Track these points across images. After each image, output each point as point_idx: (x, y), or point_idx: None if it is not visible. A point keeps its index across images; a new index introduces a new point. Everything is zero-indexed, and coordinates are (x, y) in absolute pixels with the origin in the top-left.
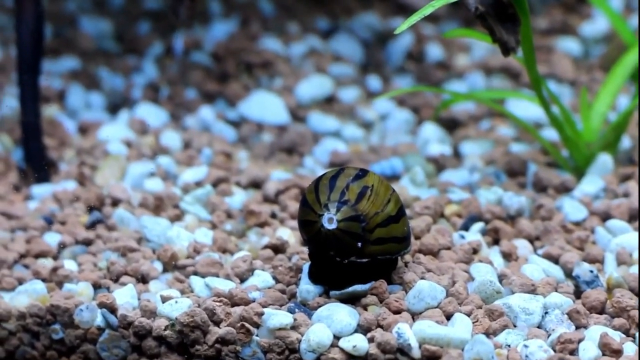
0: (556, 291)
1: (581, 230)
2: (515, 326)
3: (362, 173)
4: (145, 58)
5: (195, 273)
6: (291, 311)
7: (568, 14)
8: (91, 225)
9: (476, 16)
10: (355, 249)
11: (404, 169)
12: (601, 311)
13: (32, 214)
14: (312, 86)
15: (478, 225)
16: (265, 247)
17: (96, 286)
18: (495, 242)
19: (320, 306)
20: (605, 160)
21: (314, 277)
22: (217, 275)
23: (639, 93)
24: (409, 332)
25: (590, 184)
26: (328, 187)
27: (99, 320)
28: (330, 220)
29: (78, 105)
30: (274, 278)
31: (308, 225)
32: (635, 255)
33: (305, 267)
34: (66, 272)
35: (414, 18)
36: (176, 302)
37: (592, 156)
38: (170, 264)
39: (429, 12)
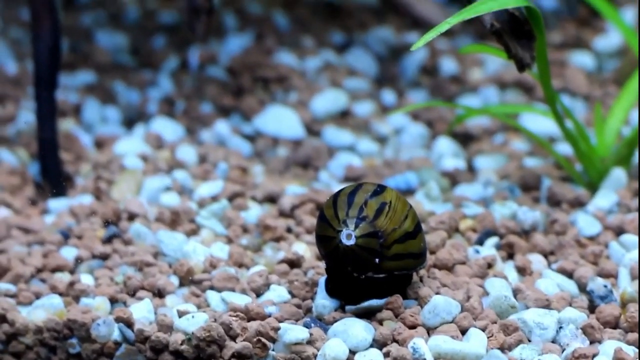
0: (570, 306)
1: (595, 245)
2: (529, 341)
3: (380, 189)
4: (161, 72)
5: (212, 287)
6: (307, 326)
7: (582, 29)
8: (108, 240)
9: (492, 32)
10: (373, 264)
11: (419, 183)
12: (615, 326)
13: (48, 228)
14: (327, 100)
15: (492, 240)
16: (281, 261)
17: (113, 300)
18: (510, 256)
19: (336, 321)
20: (619, 175)
21: (330, 291)
22: (233, 290)
23: None
24: (424, 347)
25: (604, 199)
26: (346, 202)
27: (115, 335)
28: (348, 236)
29: (94, 119)
30: (290, 293)
31: (326, 240)
32: None
33: (322, 281)
34: (83, 287)
35: (430, 35)
36: (193, 316)
37: (606, 171)
38: (187, 279)
39: (444, 29)
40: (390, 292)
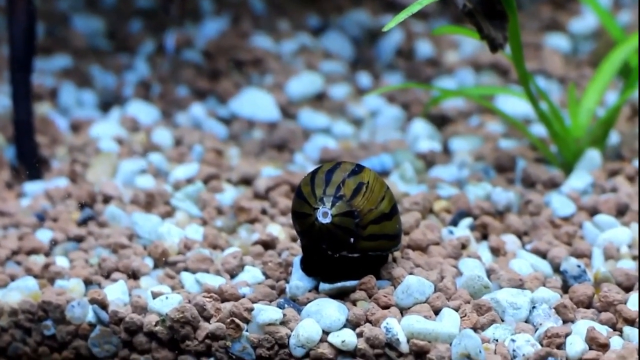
0: (544, 286)
1: (569, 225)
2: (503, 321)
3: (359, 169)
4: (137, 56)
5: (186, 269)
6: (281, 307)
7: (557, 11)
8: (83, 222)
9: (464, 13)
10: (348, 244)
11: (394, 165)
12: (588, 305)
13: (24, 211)
14: (303, 83)
15: (467, 221)
16: (256, 243)
17: (87, 282)
18: (484, 237)
19: (309, 301)
20: (593, 155)
21: (305, 269)
22: (207, 271)
23: None
24: (397, 327)
25: (579, 180)
26: (324, 180)
27: (90, 317)
28: (324, 214)
29: (70, 103)
30: (264, 274)
31: (302, 217)
32: (623, 250)
33: (296, 261)
34: (58, 269)
35: (402, 15)
36: (167, 298)
37: (581, 152)
38: (161, 260)
39: (416, 10)
40: (364, 272)
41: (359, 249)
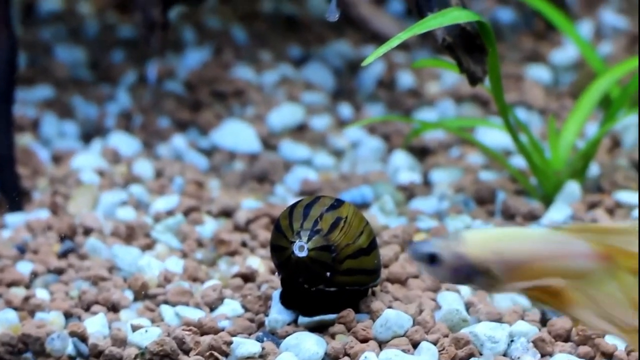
0: (522, 319)
1: None
2: (481, 354)
3: (338, 203)
4: (119, 87)
5: (166, 302)
6: (260, 340)
7: (538, 42)
8: (63, 254)
9: (444, 47)
10: (324, 278)
11: (374, 197)
12: (567, 339)
13: (5, 242)
14: (284, 114)
15: None
16: (235, 275)
17: (68, 315)
18: None
19: (288, 335)
20: (573, 188)
21: (285, 302)
22: (187, 304)
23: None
24: None
25: (558, 212)
26: (302, 214)
27: (70, 349)
28: (301, 248)
29: (52, 134)
30: (243, 307)
31: (279, 250)
32: None
33: (276, 294)
34: (38, 301)
35: (381, 50)
36: (146, 331)
37: (560, 184)
38: (141, 293)
39: (395, 44)
40: (342, 306)
41: (336, 283)
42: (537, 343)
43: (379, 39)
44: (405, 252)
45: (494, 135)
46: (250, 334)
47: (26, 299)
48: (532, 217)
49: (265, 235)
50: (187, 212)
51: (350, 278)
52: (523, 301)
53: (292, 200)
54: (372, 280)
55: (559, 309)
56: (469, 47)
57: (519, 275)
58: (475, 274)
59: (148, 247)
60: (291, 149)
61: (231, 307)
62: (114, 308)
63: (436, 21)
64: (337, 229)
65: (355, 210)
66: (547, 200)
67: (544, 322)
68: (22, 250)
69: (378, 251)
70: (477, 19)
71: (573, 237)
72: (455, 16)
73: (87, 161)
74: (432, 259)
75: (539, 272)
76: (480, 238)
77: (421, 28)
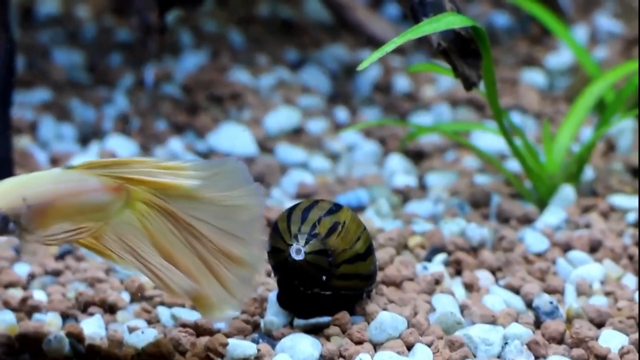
0: (516, 322)
1: (542, 261)
2: (475, 356)
3: (336, 208)
4: (117, 90)
5: (162, 304)
6: (255, 341)
7: (534, 46)
8: (60, 256)
9: (439, 52)
10: (320, 281)
11: (370, 200)
12: (560, 341)
13: (2, 245)
14: (281, 118)
15: (441, 257)
16: None
17: (65, 316)
18: (458, 273)
19: (283, 337)
20: (567, 191)
21: (282, 303)
22: (183, 306)
23: None
24: None
25: (553, 215)
26: (300, 218)
27: (67, 350)
28: (298, 251)
29: (50, 136)
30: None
31: (276, 252)
32: (595, 286)
33: (272, 296)
34: (35, 302)
35: (376, 55)
36: (142, 332)
37: (555, 188)
38: (138, 295)
39: (391, 49)
40: (337, 309)
41: (331, 287)
42: (531, 345)
43: (374, 43)
44: None
45: (489, 139)
46: (245, 336)
47: (24, 300)
48: (526, 221)
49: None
50: None
51: (346, 282)
52: (517, 303)
53: (288, 203)
54: (367, 285)
55: (97, 252)
56: (464, 52)
57: (46, 218)
58: (7, 224)
59: None
60: (287, 152)
61: None
62: (110, 309)
63: (431, 26)
64: (334, 233)
65: (353, 216)
66: (542, 204)
67: (537, 324)
68: (20, 251)
69: (374, 257)
70: (471, 24)
71: (85, 173)
72: (449, 21)
73: None
74: None
75: (63, 212)
76: (6, 187)
77: (416, 33)
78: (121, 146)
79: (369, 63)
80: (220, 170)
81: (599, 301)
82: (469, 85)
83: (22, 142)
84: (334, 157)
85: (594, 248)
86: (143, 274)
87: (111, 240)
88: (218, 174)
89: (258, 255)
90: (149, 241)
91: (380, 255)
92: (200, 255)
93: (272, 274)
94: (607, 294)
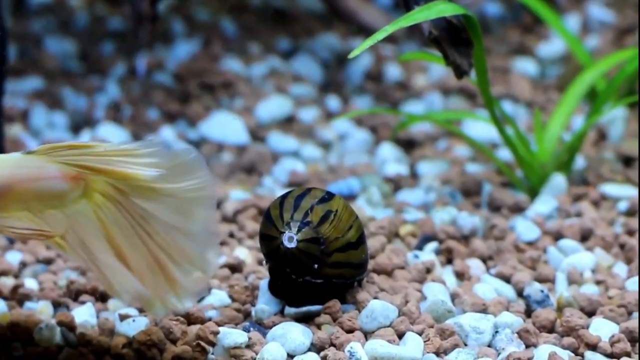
0: (507, 310)
1: (533, 250)
2: (465, 345)
3: (329, 196)
4: (109, 78)
5: None
6: (246, 330)
7: (525, 35)
8: None
9: (430, 40)
10: (312, 269)
11: (361, 188)
12: (551, 330)
13: None
14: (272, 106)
15: (432, 245)
16: (223, 266)
17: (56, 304)
18: (449, 261)
19: (274, 325)
20: (558, 180)
21: (274, 291)
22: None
23: None
24: (361, 351)
25: (544, 204)
26: (293, 205)
27: (58, 338)
28: (290, 238)
29: (41, 125)
30: (230, 297)
31: (268, 239)
32: (586, 275)
33: (263, 284)
34: (27, 291)
35: (368, 43)
36: (134, 320)
37: (546, 176)
38: None
39: (382, 37)
40: (328, 297)
41: (323, 275)
42: (522, 334)
43: (366, 31)
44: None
45: (480, 128)
46: (237, 324)
47: (15, 288)
48: (517, 209)
49: (253, 226)
50: None
51: (337, 271)
52: (508, 292)
53: (280, 192)
54: (358, 274)
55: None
56: (455, 40)
57: (3, 201)
58: None
59: None
60: (279, 140)
61: (218, 297)
62: (102, 298)
63: (422, 14)
64: (327, 221)
65: (345, 204)
66: (533, 193)
67: (528, 313)
68: (12, 240)
69: (366, 245)
70: (463, 12)
71: (45, 159)
72: (441, 9)
73: None
74: None
75: (20, 197)
76: None
77: (407, 21)
78: (113, 134)
79: (360, 51)
80: (179, 161)
81: (590, 290)
82: (460, 73)
83: (13, 130)
84: (326, 145)
85: (585, 237)
86: (88, 269)
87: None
88: (177, 165)
89: (210, 258)
90: (102, 233)
91: (372, 243)
92: (152, 251)
93: (264, 262)
94: (598, 282)
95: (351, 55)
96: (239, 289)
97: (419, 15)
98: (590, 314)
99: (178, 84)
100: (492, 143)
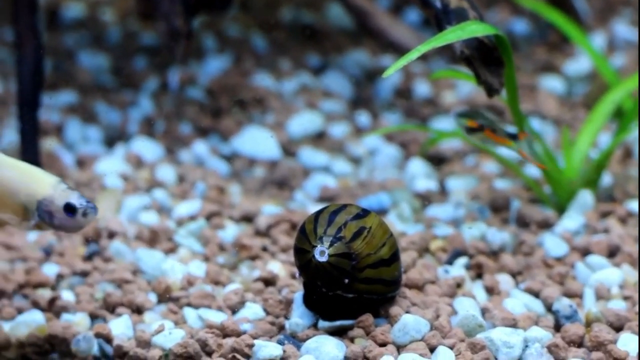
0: (536, 325)
1: (561, 265)
2: (496, 359)
3: (364, 213)
4: (142, 93)
5: (189, 305)
6: (281, 343)
7: (552, 53)
8: (88, 257)
9: (462, 59)
10: (342, 284)
11: (392, 204)
12: (579, 345)
13: (31, 245)
14: (303, 122)
15: (462, 260)
16: (257, 279)
17: (93, 316)
18: (479, 276)
19: (308, 338)
20: (586, 197)
21: (307, 304)
22: (209, 307)
23: None
24: None
25: (571, 220)
26: (327, 220)
27: (95, 350)
28: (322, 252)
29: (76, 138)
30: (265, 310)
31: (301, 253)
32: (614, 291)
33: (297, 297)
34: (64, 303)
35: (401, 62)
36: (170, 333)
37: (574, 193)
38: (165, 296)
39: (415, 57)
40: (360, 312)
41: (354, 290)
42: (551, 348)
43: (396, 49)
44: None
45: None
46: (271, 337)
47: (52, 300)
48: (545, 225)
49: (286, 240)
50: (209, 217)
51: (369, 286)
52: (537, 307)
53: (311, 207)
54: (390, 291)
55: None
56: (487, 59)
57: None
58: None
59: (171, 250)
60: (310, 155)
61: (252, 310)
62: (138, 310)
63: (455, 34)
64: (359, 237)
65: (380, 222)
66: (561, 209)
67: (557, 327)
68: (48, 252)
69: (399, 263)
70: (494, 32)
71: None
72: (473, 29)
73: (111, 166)
74: None
75: None
76: None
77: (440, 41)
78: (146, 149)
79: (394, 70)
80: None
81: (618, 305)
82: (491, 92)
83: (48, 143)
84: (356, 161)
85: (612, 253)
86: None
87: None
88: None
89: None
90: None
91: (403, 258)
92: None
93: (297, 275)
94: (626, 298)
95: (385, 75)
96: (272, 302)
97: (452, 36)
98: (618, 329)
99: (210, 99)
100: (520, 160)
